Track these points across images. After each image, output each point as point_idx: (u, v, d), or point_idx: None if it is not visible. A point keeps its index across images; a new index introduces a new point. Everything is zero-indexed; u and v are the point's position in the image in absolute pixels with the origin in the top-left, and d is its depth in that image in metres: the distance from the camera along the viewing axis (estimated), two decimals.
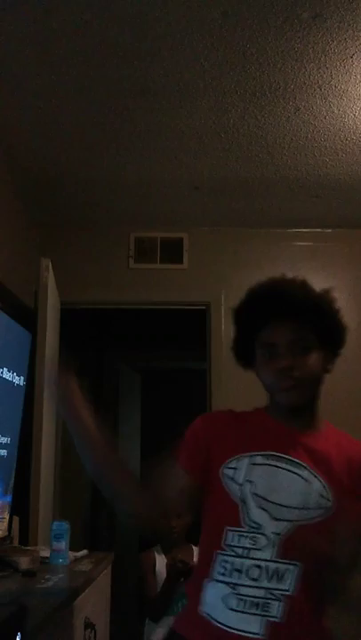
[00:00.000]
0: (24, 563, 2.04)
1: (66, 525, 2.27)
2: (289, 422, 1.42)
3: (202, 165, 2.91)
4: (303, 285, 1.46)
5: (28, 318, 2.90)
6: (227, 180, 3.05)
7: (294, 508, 1.32)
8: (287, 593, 1.27)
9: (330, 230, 3.64)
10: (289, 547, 1.29)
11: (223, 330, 3.47)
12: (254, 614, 1.27)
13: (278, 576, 1.28)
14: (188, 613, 1.38)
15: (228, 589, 1.30)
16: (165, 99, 2.38)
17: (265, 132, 2.61)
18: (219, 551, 1.33)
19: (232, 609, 1.28)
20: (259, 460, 1.37)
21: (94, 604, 2.11)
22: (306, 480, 1.34)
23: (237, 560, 1.31)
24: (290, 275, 1.54)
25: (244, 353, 1.48)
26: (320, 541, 1.28)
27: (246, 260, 3.59)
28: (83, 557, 2.36)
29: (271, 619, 1.26)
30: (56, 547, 2.22)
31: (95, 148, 2.78)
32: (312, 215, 3.47)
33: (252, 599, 1.28)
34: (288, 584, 1.28)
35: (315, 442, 1.41)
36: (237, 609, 1.28)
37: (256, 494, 1.33)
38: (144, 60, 2.16)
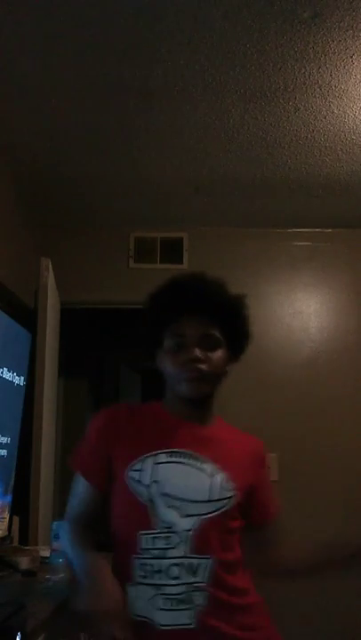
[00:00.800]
0: (24, 563, 2.04)
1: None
2: (187, 416, 1.46)
3: (202, 165, 2.91)
4: (221, 285, 1.52)
5: (28, 318, 2.90)
6: (227, 180, 3.05)
7: (199, 502, 1.36)
8: (203, 584, 1.33)
9: (330, 230, 3.64)
10: (198, 541, 1.34)
11: None
12: (183, 609, 1.32)
13: (193, 570, 1.33)
14: None
15: (153, 591, 1.33)
16: (165, 99, 2.38)
17: (265, 132, 2.61)
18: (135, 555, 1.35)
19: (161, 609, 1.32)
20: (162, 458, 1.39)
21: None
22: (208, 474, 1.39)
23: (155, 562, 1.34)
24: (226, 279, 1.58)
25: (152, 346, 1.49)
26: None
27: (246, 261, 3.59)
28: None
29: (198, 608, 1.32)
30: (56, 547, 2.22)
31: (95, 148, 2.78)
32: (312, 215, 3.47)
33: (177, 596, 1.32)
34: (202, 576, 1.33)
35: (213, 434, 1.46)
36: (165, 607, 1.32)
37: (163, 494, 1.36)
38: (144, 59, 2.16)
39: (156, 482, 1.36)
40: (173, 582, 1.33)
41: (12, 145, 2.73)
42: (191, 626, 1.31)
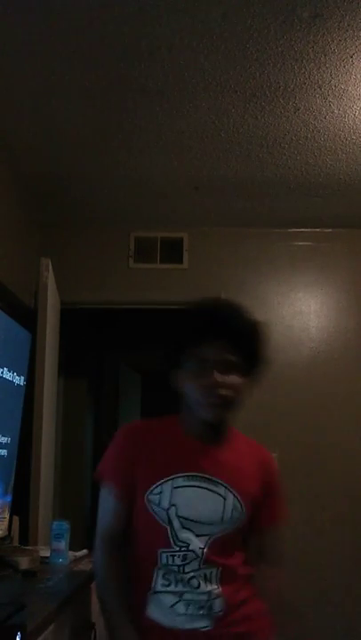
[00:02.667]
0: (24, 563, 2.04)
1: (66, 525, 2.26)
2: (204, 438, 1.52)
3: (202, 165, 2.91)
4: (243, 311, 1.55)
5: (28, 318, 2.90)
6: (227, 180, 3.05)
7: (212, 524, 1.46)
8: (217, 590, 1.45)
9: (330, 230, 3.64)
10: (209, 555, 1.45)
11: None
12: (201, 615, 1.44)
13: (208, 579, 1.45)
14: (136, 624, 1.46)
15: (175, 598, 1.44)
16: (165, 99, 2.38)
17: (265, 132, 2.61)
18: (156, 568, 1.46)
19: (180, 614, 1.43)
20: (180, 482, 1.47)
21: (94, 604, 2.11)
22: (222, 496, 1.48)
23: (177, 574, 1.45)
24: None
25: (175, 362, 1.53)
26: None
27: (246, 260, 3.59)
28: (83, 557, 2.36)
29: (215, 614, 1.44)
30: (56, 547, 2.22)
31: (95, 148, 2.78)
32: (312, 215, 3.47)
33: (196, 602, 1.44)
34: (215, 583, 1.46)
35: (228, 455, 1.53)
36: (187, 612, 1.44)
37: (180, 516, 1.45)
38: (144, 59, 2.16)
39: (173, 505, 1.45)
40: (193, 590, 1.44)
41: (12, 145, 2.73)
42: (209, 628, 1.44)
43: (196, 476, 1.48)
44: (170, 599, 1.44)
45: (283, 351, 3.51)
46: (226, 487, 1.48)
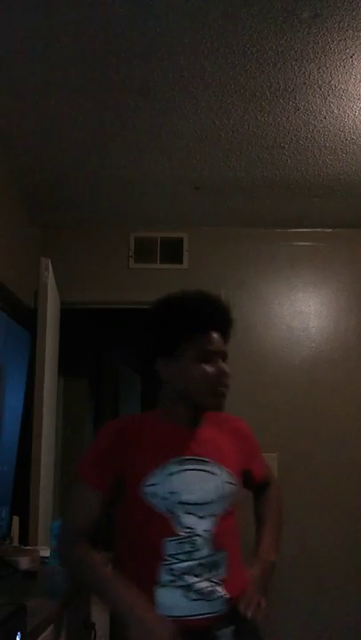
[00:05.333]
0: (24, 563, 2.04)
1: None
2: (186, 422, 1.55)
3: (202, 165, 2.91)
4: (227, 302, 1.62)
5: (28, 318, 2.90)
6: (227, 180, 3.05)
7: (212, 502, 1.47)
8: (223, 576, 1.46)
9: (330, 230, 3.64)
10: (218, 537, 1.46)
11: None
12: (211, 600, 1.43)
13: (217, 566, 1.45)
14: None
15: (183, 591, 1.42)
16: (165, 99, 2.38)
17: (265, 132, 2.61)
18: (162, 562, 1.43)
19: (192, 599, 1.42)
20: (173, 468, 1.47)
21: (94, 604, 2.11)
22: (214, 473, 1.50)
23: (184, 564, 1.43)
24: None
25: (161, 351, 1.55)
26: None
27: (246, 260, 3.59)
28: None
29: (224, 596, 1.45)
30: (56, 547, 2.22)
31: (95, 148, 2.78)
32: (312, 215, 3.47)
33: (205, 590, 1.43)
34: (222, 569, 1.46)
35: (208, 433, 1.56)
36: (199, 598, 1.42)
37: (181, 502, 1.45)
38: (144, 60, 2.15)
39: (172, 493, 1.45)
40: (201, 579, 1.43)
41: (12, 145, 2.73)
42: (224, 610, 1.44)
43: (187, 459, 1.49)
44: (178, 591, 1.42)
45: (283, 351, 3.51)
46: (215, 464, 1.51)
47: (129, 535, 1.51)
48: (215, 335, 1.53)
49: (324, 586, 3.28)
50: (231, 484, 1.52)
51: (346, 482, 3.37)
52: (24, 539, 2.62)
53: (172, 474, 1.46)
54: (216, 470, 1.51)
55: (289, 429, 3.39)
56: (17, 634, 1.21)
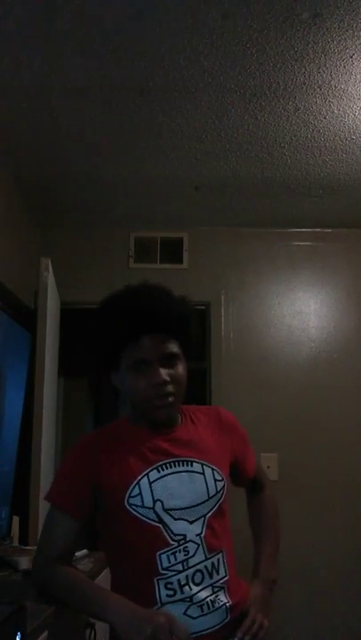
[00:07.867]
0: (24, 563, 2.03)
1: None
2: (159, 426, 1.45)
3: (202, 165, 2.91)
4: (168, 295, 1.46)
5: (28, 318, 2.90)
6: (227, 180, 3.05)
7: (201, 503, 1.40)
8: (225, 578, 1.41)
9: (329, 230, 3.64)
10: (210, 540, 1.39)
11: (223, 329, 3.47)
12: (214, 611, 1.37)
13: (215, 569, 1.39)
14: None
15: (185, 605, 1.35)
16: (165, 99, 2.38)
17: (265, 132, 2.61)
18: (157, 577, 1.36)
19: (196, 617, 1.35)
20: (155, 475, 1.39)
21: None
22: (198, 472, 1.42)
23: (181, 575, 1.35)
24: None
25: (106, 364, 1.45)
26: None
27: (246, 260, 3.60)
28: (83, 557, 2.35)
29: (227, 602, 1.39)
30: None
31: (95, 148, 2.78)
32: (312, 215, 3.47)
33: (207, 599, 1.37)
34: (223, 570, 1.41)
35: (188, 431, 1.48)
36: (200, 614, 1.36)
37: (169, 509, 1.37)
38: (144, 60, 2.16)
39: (158, 500, 1.36)
40: (201, 588, 1.36)
41: (12, 145, 2.73)
42: (225, 621, 1.38)
43: (168, 462, 1.40)
44: (180, 607, 1.35)
45: (283, 351, 3.51)
46: (199, 462, 1.42)
47: (120, 553, 1.44)
48: (147, 340, 1.37)
49: (325, 586, 3.27)
50: (219, 480, 1.44)
51: (346, 482, 3.37)
52: (24, 539, 2.62)
53: (154, 481, 1.38)
54: (200, 469, 1.42)
55: (289, 429, 3.39)
56: (17, 634, 1.21)
